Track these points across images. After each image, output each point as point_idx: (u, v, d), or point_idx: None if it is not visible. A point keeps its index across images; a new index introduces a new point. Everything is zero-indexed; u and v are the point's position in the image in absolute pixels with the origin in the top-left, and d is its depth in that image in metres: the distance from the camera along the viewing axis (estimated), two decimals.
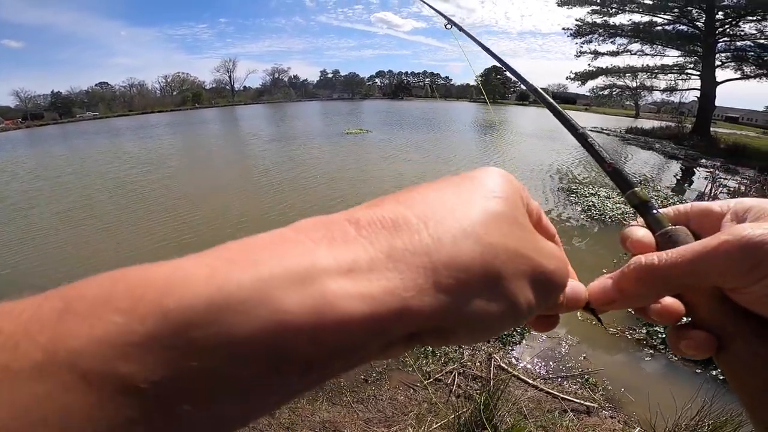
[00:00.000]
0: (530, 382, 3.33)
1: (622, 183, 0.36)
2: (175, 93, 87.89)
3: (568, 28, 28.63)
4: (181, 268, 0.16)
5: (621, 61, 29.06)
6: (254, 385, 0.16)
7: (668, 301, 0.29)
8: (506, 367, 3.48)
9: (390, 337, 0.18)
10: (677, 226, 0.31)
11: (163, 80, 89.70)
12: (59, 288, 0.16)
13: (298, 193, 9.86)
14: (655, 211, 0.32)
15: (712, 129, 25.75)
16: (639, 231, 0.32)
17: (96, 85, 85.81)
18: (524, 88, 0.60)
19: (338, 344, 0.17)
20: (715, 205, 0.32)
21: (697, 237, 0.30)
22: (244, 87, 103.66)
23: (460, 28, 0.94)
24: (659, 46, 26.70)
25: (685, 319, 0.30)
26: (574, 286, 0.29)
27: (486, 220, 0.21)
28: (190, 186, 11.19)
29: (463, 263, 0.20)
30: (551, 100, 0.51)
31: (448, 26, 0.98)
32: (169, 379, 0.14)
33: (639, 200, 0.34)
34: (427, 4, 1.09)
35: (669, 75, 28.28)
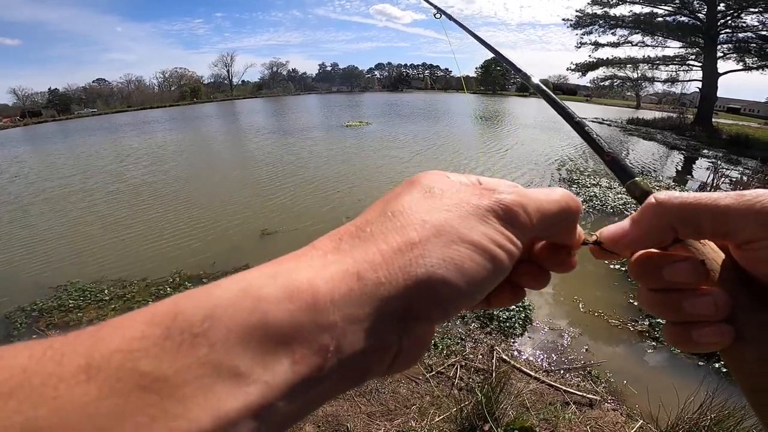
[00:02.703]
0: (532, 374, 3.33)
1: (622, 173, 0.35)
2: (173, 88, 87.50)
3: (568, 19, 28.42)
4: (185, 291, 0.19)
5: (622, 52, 28.96)
6: (252, 372, 0.17)
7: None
8: (508, 360, 3.48)
9: (365, 314, 0.20)
10: None
11: (161, 76, 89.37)
12: None
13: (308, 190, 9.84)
14: None
15: (713, 120, 25.64)
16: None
17: (93, 81, 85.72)
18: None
19: (315, 319, 0.19)
20: None
21: None
22: (243, 81, 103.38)
23: (450, 17, 0.91)
24: (660, 38, 26.49)
25: None
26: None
27: (407, 200, 0.25)
28: (206, 186, 11.11)
29: (396, 232, 0.23)
30: (546, 89, 0.49)
31: (438, 15, 0.95)
32: (182, 370, 0.16)
33: (640, 191, 0.32)
34: None
35: (670, 66, 28.08)
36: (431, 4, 0.97)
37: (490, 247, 0.23)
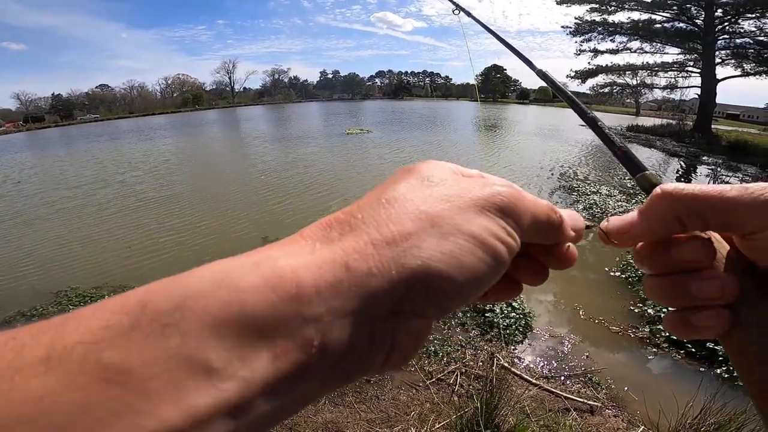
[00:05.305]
0: (533, 381, 3.32)
1: (633, 166, 0.36)
2: (175, 95, 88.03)
3: (567, 27, 28.57)
4: (159, 280, 0.18)
5: (621, 59, 28.94)
6: (227, 367, 0.16)
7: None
8: (509, 367, 3.47)
9: (354, 307, 0.19)
10: None
11: (164, 82, 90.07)
12: None
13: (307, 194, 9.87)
14: None
15: (713, 126, 25.69)
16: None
17: (96, 87, 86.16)
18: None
19: (298, 311, 0.18)
20: None
21: None
22: (244, 88, 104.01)
23: (468, 14, 0.93)
24: (659, 44, 26.60)
25: None
26: (569, 211, 0.30)
27: (403, 187, 0.24)
28: (209, 194, 11.18)
29: (390, 221, 0.21)
30: (561, 86, 0.51)
31: (456, 11, 0.96)
32: (150, 363, 0.15)
33: (650, 184, 0.33)
34: None
35: (669, 73, 28.14)
36: (451, 1, 0.99)
37: (491, 241, 0.22)
